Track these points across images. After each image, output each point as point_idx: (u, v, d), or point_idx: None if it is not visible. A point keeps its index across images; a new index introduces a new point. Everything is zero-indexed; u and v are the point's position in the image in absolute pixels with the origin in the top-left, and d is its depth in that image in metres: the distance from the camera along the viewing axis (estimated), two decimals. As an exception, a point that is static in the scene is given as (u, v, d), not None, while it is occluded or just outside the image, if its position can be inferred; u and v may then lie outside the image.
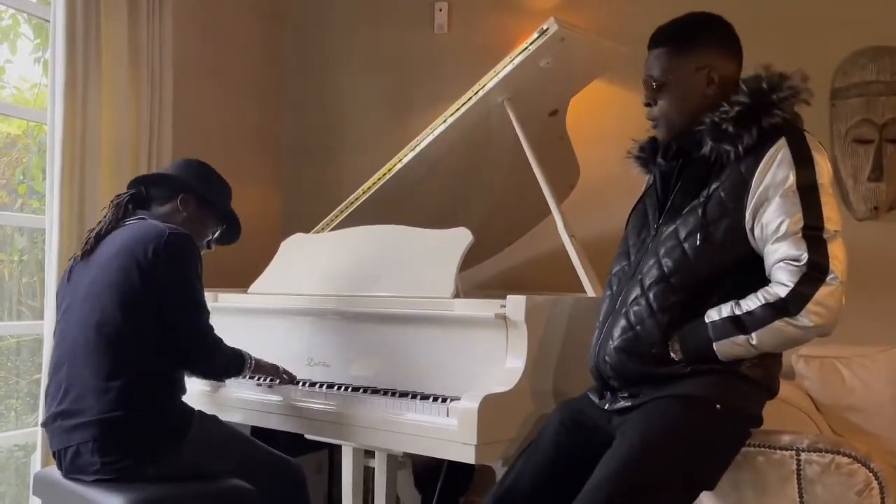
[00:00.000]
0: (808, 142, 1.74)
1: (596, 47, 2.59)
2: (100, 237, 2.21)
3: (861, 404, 2.64)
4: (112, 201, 2.30)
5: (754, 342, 1.66)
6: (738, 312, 1.68)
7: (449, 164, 2.71)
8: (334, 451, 3.24)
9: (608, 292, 1.93)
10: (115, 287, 2.08)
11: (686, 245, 1.75)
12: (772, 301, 1.65)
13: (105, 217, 2.26)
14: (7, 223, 3.05)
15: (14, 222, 3.07)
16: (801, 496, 1.73)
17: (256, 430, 2.51)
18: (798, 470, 1.73)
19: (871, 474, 1.68)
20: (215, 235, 2.41)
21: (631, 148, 2.01)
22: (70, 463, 2.07)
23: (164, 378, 2.14)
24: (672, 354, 1.74)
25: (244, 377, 2.32)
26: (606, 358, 1.82)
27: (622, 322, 1.81)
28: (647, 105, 1.89)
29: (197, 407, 2.21)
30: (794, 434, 1.78)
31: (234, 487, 2.15)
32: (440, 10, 3.65)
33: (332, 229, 2.78)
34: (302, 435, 2.40)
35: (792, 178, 1.68)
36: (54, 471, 2.19)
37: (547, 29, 2.34)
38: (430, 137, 2.58)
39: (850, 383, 2.67)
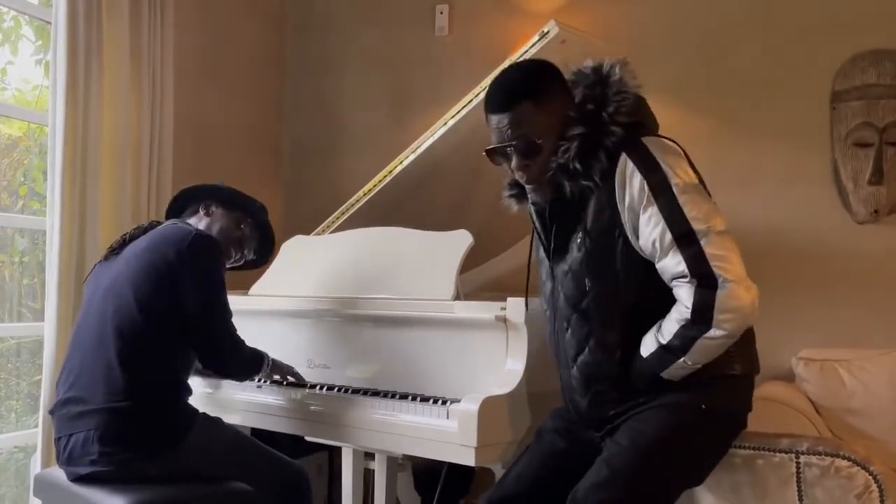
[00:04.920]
0: (648, 148, 1.69)
1: (596, 50, 2.58)
2: (128, 240, 2.27)
3: (861, 407, 2.64)
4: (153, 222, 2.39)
5: (690, 362, 1.66)
6: (663, 342, 1.66)
7: (449, 167, 2.71)
8: (334, 453, 3.24)
9: (549, 331, 1.91)
10: (136, 283, 2.11)
11: (592, 288, 1.74)
12: (684, 323, 1.63)
13: (141, 224, 2.36)
14: (8, 225, 3.05)
15: (15, 224, 3.07)
16: (800, 499, 1.73)
17: (257, 432, 2.51)
18: (798, 473, 1.73)
19: (870, 477, 1.68)
20: (253, 245, 2.43)
21: (502, 192, 1.93)
22: (69, 452, 2.07)
23: (173, 377, 2.16)
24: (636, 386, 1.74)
25: (261, 377, 2.33)
26: (583, 412, 1.83)
27: (578, 376, 1.80)
28: (525, 167, 1.77)
29: (199, 408, 2.22)
30: (794, 437, 1.78)
31: (236, 490, 2.15)
32: (441, 13, 3.66)
33: (333, 231, 2.78)
34: (302, 437, 2.41)
35: (646, 190, 1.66)
36: (55, 472, 2.19)
37: (548, 31, 2.34)
38: (431, 140, 2.58)
39: (851, 386, 2.67)
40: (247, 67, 3.84)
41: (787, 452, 1.75)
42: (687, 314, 1.63)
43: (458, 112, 2.53)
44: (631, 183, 1.68)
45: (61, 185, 2.74)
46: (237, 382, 2.48)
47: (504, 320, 2.07)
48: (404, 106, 3.75)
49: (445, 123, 2.55)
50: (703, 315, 1.61)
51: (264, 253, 2.50)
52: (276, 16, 4.03)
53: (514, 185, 1.91)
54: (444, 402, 2.07)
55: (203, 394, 2.56)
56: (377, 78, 3.84)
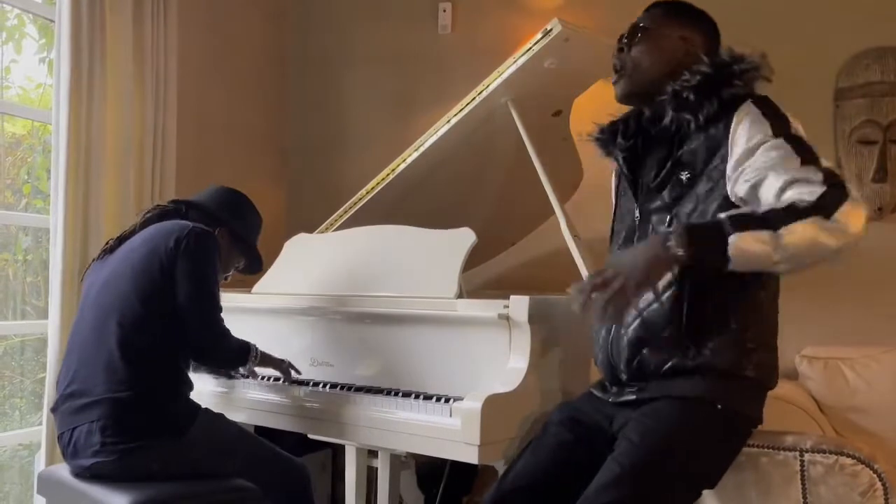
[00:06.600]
0: (773, 102, 1.71)
1: (600, 47, 2.57)
2: (123, 239, 2.28)
3: (865, 405, 2.64)
4: (145, 212, 2.37)
5: (783, 241, 1.45)
6: (760, 211, 1.50)
7: (452, 165, 2.71)
8: (338, 451, 3.24)
9: None
10: (135, 276, 2.13)
11: (676, 223, 1.71)
12: (800, 205, 1.47)
13: (135, 223, 2.34)
14: (12, 223, 3.05)
15: (19, 222, 3.08)
16: (804, 497, 1.73)
17: (260, 430, 2.51)
18: (802, 471, 1.73)
19: (874, 475, 1.68)
20: (238, 269, 2.48)
21: (591, 131, 1.97)
22: (73, 445, 2.08)
23: (175, 369, 2.17)
24: (670, 248, 1.51)
25: (249, 369, 2.35)
26: (621, 352, 1.79)
27: (632, 322, 1.77)
28: (621, 50, 1.88)
29: (203, 405, 2.22)
30: (798, 435, 1.78)
31: (239, 487, 2.16)
32: (444, 10, 3.66)
33: (336, 229, 2.78)
34: (305, 434, 2.41)
35: (770, 131, 1.63)
36: (59, 470, 2.19)
37: (551, 29, 2.34)
38: (434, 138, 2.58)
39: (854, 384, 2.67)
40: (250, 65, 3.84)
41: (791, 450, 1.74)
42: (810, 199, 1.47)
43: (461, 110, 2.53)
44: (753, 125, 1.65)
45: (65, 183, 2.75)
46: (242, 379, 2.49)
47: (507, 318, 2.07)
48: (407, 104, 3.75)
49: (449, 121, 2.55)
50: (825, 207, 1.46)
51: (250, 271, 2.53)
52: (278, 14, 4.03)
53: (606, 130, 1.95)
54: (446, 400, 2.07)
55: (208, 391, 2.56)
56: (380, 76, 3.85)
